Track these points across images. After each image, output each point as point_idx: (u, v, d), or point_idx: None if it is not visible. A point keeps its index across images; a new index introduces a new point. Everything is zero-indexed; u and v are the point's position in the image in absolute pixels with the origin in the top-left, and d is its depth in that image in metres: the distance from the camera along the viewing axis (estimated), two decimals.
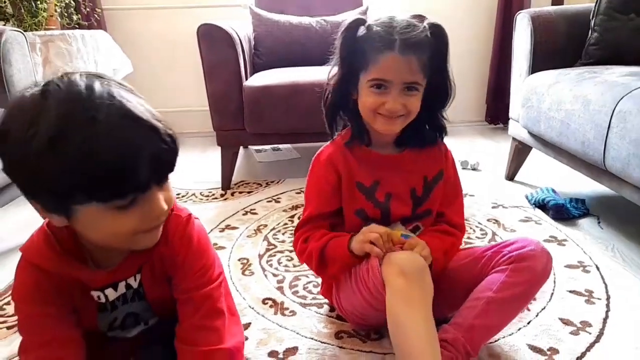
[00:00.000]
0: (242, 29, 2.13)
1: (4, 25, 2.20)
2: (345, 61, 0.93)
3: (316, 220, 0.99)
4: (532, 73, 1.82)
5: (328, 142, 1.03)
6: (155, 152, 0.58)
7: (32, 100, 0.57)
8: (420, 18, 0.90)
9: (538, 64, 1.82)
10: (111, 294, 0.72)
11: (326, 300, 1.14)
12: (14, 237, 1.62)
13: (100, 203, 0.57)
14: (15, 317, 1.12)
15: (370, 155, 0.99)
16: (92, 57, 2.22)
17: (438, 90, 0.94)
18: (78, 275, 0.69)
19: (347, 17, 2.36)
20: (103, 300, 0.72)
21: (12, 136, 0.56)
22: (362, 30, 0.91)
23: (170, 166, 0.62)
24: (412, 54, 0.86)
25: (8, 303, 1.19)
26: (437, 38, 0.89)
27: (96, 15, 2.70)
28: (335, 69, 0.96)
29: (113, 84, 0.59)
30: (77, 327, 0.71)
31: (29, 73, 1.52)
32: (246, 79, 1.96)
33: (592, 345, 0.98)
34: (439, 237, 0.97)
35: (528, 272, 0.89)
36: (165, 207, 0.63)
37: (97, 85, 0.57)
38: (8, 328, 1.09)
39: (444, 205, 1.03)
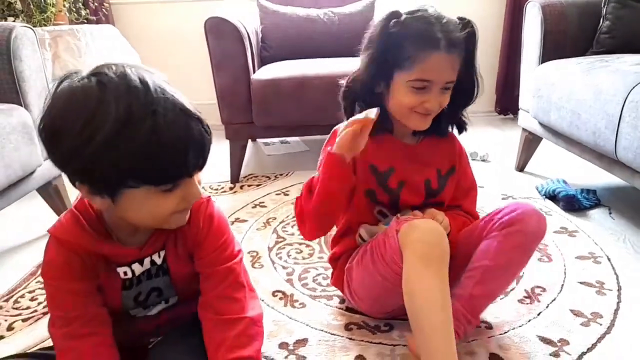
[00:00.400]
0: (249, 22, 2.12)
1: (14, 21, 2.22)
2: (379, 57, 0.90)
3: None
4: (542, 63, 1.80)
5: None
6: (201, 140, 0.65)
7: (88, 93, 0.59)
8: (464, 23, 0.89)
9: (548, 53, 1.80)
10: (137, 268, 0.76)
11: (336, 292, 1.15)
12: (15, 236, 1.64)
13: (151, 186, 0.63)
14: (30, 310, 1.15)
15: (389, 141, 0.99)
16: (100, 51, 2.23)
17: (465, 86, 0.93)
18: (106, 251, 0.73)
19: (355, 8, 2.36)
20: (129, 275, 0.76)
21: (70, 128, 0.59)
22: (397, 25, 0.88)
23: (208, 153, 0.68)
24: (456, 52, 0.86)
25: (22, 296, 1.21)
26: (471, 35, 0.88)
27: (104, 10, 2.71)
28: (364, 62, 0.93)
29: (155, 77, 0.64)
30: (103, 306, 0.75)
31: (39, 68, 1.53)
32: (254, 72, 1.96)
33: (602, 337, 0.97)
34: (452, 216, 0.98)
35: (520, 235, 0.88)
36: (201, 190, 0.70)
37: (149, 79, 0.62)
38: (23, 320, 1.11)
39: (459, 198, 1.04)
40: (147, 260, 0.76)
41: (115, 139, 0.58)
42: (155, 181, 0.63)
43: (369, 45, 0.93)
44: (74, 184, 0.65)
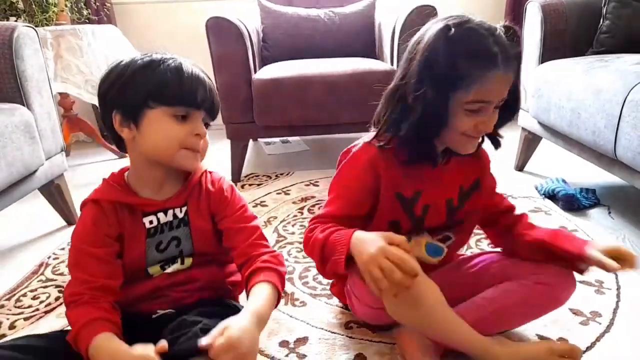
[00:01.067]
0: (250, 22, 2.13)
1: (16, 20, 2.23)
2: (434, 79, 0.78)
3: (337, 220, 0.88)
4: (542, 62, 1.80)
5: (361, 140, 0.92)
6: (209, 89, 0.83)
7: (121, 61, 0.83)
8: (511, 33, 0.80)
9: (548, 53, 1.81)
10: (162, 217, 0.87)
11: None
12: (17, 235, 1.64)
13: (166, 107, 0.79)
14: (32, 309, 1.16)
15: (418, 165, 0.89)
16: (102, 51, 2.24)
17: (510, 101, 0.84)
18: (135, 201, 0.85)
19: (355, 8, 2.36)
20: (155, 223, 0.87)
21: (117, 67, 0.82)
22: (448, 41, 0.77)
23: (216, 111, 0.86)
24: (511, 69, 0.78)
25: (24, 295, 1.22)
26: (518, 46, 0.80)
27: (106, 10, 2.72)
28: (416, 85, 0.79)
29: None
30: (117, 278, 0.84)
31: (41, 68, 1.54)
32: (255, 72, 1.97)
33: (602, 336, 0.98)
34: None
35: (548, 297, 0.89)
36: (206, 133, 0.84)
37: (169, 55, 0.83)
38: (25, 319, 1.12)
39: (490, 195, 1.01)
40: (170, 212, 0.88)
41: (143, 68, 0.80)
42: (171, 102, 0.79)
43: (424, 68, 0.79)
44: (109, 121, 0.82)
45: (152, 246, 0.87)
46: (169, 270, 0.88)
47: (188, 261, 0.90)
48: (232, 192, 0.93)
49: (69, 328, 0.78)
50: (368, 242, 0.75)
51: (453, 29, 0.77)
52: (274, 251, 0.91)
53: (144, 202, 0.86)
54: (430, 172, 0.90)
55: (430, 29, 0.81)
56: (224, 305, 0.88)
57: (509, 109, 0.86)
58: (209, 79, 0.85)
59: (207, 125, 0.86)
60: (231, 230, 0.90)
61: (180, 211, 0.89)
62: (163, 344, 0.69)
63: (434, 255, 0.92)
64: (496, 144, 0.94)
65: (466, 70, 0.76)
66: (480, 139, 0.90)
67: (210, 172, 0.94)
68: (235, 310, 0.80)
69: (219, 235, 0.92)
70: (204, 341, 0.66)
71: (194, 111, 0.81)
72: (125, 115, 0.81)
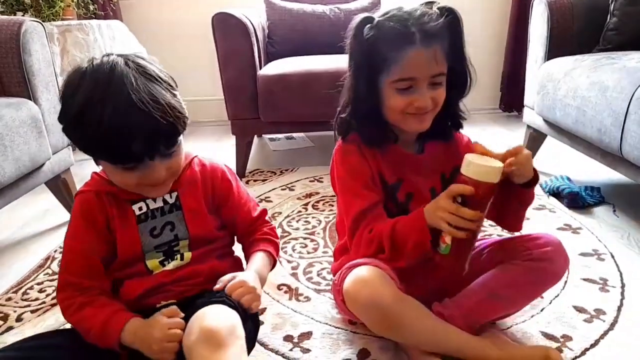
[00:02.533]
0: (256, 18, 2.13)
1: (23, 15, 2.24)
2: (361, 67, 0.86)
3: (373, 209, 0.90)
4: (548, 59, 1.80)
5: (339, 142, 0.97)
6: (152, 130, 0.72)
7: (73, 78, 0.74)
8: (429, 4, 0.85)
9: (554, 50, 1.80)
10: (151, 203, 0.86)
11: None
12: (24, 229, 1.66)
13: (109, 164, 0.75)
14: (39, 302, 1.17)
15: (396, 152, 0.94)
16: (108, 46, 2.25)
17: (456, 78, 0.88)
18: (121, 190, 0.82)
19: (360, 4, 2.36)
20: (144, 209, 0.85)
21: (62, 104, 0.74)
22: (372, 30, 0.84)
23: (167, 140, 0.76)
24: (435, 43, 0.81)
25: (31, 288, 1.23)
26: (452, 22, 0.83)
27: (112, 5, 2.72)
28: (351, 75, 0.89)
29: (142, 69, 0.74)
30: (106, 278, 0.84)
31: (47, 63, 1.55)
32: (260, 68, 1.97)
33: (606, 333, 0.98)
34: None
35: (544, 273, 0.89)
36: (163, 174, 0.77)
37: (118, 71, 0.71)
38: (32, 312, 1.13)
39: None
40: (159, 199, 0.86)
41: (74, 126, 0.73)
42: (109, 161, 0.75)
43: (350, 57, 0.89)
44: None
45: (146, 232, 0.85)
46: (169, 267, 0.86)
47: (187, 256, 0.88)
48: (233, 176, 0.95)
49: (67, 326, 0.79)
50: (432, 203, 0.82)
51: (377, 19, 0.84)
52: (271, 224, 1.00)
53: (130, 193, 0.84)
54: (409, 160, 0.94)
55: (353, 22, 0.88)
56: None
57: (459, 86, 0.90)
58: (155, 106, 0.71)
59: (173, 150, 0.78)
60: (233, 209, 0.94)
61: (171, 196, 0.87)
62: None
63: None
64: (456, 125, 0.96)
65: (385, 53, 0.82)
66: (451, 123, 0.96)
67: (210, 160, 0.94)
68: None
69: (214, 217, 0.92)
70: (217, 286, 0.81)
71: (140, 163, 0.74)
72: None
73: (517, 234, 1.03)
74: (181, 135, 0.79)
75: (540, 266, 0.88)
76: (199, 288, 0.87)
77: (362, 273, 0.83)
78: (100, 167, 0.81)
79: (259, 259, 0.92)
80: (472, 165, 0.77)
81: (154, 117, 0.71)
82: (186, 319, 0.79)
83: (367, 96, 0.88)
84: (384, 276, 0.83)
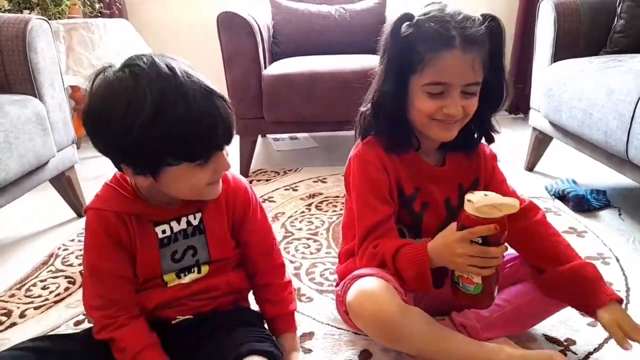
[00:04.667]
0: (261, 17, 2.13)
1: (29, 13, 2.25)
2: (394, 64, 0.84)
3: (384, 224, 0.88)
4: (554, 61, 1.79)
5: (358, 143, 0.94)
6: (226, 116, 0.71)
7: (123, 84, 0.66)
8: (483, 19, 0.82)
9: (561, 52, 1.79)
10: (175, 226, 0.82)
11: None
12: (28, 226, 1.66)
13: (188, 163, 0.70)
14: (42, 299, 1.17)
15: (416, 161, 0.91)
16: (113, 45, 2.25)
17: (492, 90, 0.86)
18: (143, 212, 0.79)
19: (366, 5, 2.36)
20: (168, 233, 0.81)
21: (111, 117, 0.66)
22: (410, 28, 0.81)
23: (234, 127, 0.74)
24: (475, 51, 0.78)
25: (34, 285, 1.23)
26: (494, 31, 0.81)
27: (117, 4, 2.73)
28: (382, 72, 0.87)
29: (180, 63, 0.70)
30: (133, 293, 0.81)
31: (53, 61, 1.55)
32: (265, 68, 1.97)
33: (610, 337, 0.96)
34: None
35: None
36: (230, 163, 0.76)
37: (175, 65, 0.68)
38: (35, 308, 1.13)
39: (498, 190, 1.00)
40: (183, 220, 0.82)
41: (153, 122, 0.65)
42: (192, 157, 0.70)
43: (383, 54, 0.86)
44: (119, 168, 0.74)
45: (167, 256, 0.82)
46: (185, 280, 0.84)
47: (204, 269, 0.85)
48: (253, 195, 0.89)
49: (70, 323, 0.79)
50: (442, 247, 0.80)
51: (417, 17, 0.81)
52: (287, 280, 0.94)
53: (154, 213, 0.80)
54: (428, 172, 0.92)
55: (392, 18, 0.86)
56: (240, 310, 0.90)
57: (493, 99, 0.87)
58: (221, 94, 0.72)
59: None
60: (250, 245, 0.90)
61: (195, 218, 0.83)
62: None
63: None
64: (488, 138, 0.94)
65: (422, 53, 0.79)
66: (477, 136, 0.94)
67: (230, 172, 0.87)
68: (249, 312, 0.90)
69: (232, 237, 0.89)
70: None
71: (216, 153, 0.73)
72: (139, 170, 0.71)
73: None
74: None
75: None
76: (215, 302, 0.86)
77: (366, 285, 0.81)
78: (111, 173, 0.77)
79: (295, 343, 0.90)
80: (483, 206, 0.75)
81: (225, 101, 0.72)
82: (201, 334, 0.81)
83: (395, 95, 0.85)
84: (389, 288, 0.81)
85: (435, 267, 0.82)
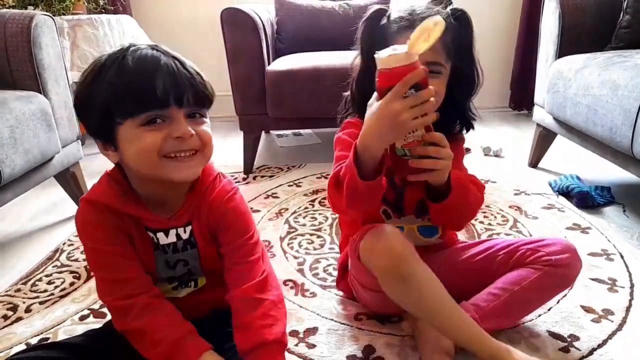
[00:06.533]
0: (264, 13, 2.13)
1: (34, 9, 2.25)
2: (366, 52, 0.91)
3: None
4: (559, 57, 1.78)
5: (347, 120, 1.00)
6: (172, 72, 0.68)
7: (95, 61, 0.72)
8: (443, 4, 0.88)
9: (565, 48, 1.78)
10: (162, 239, 0.78)
11: None
12: (33, 221, 1.67)
13: (131, 118, 0.68)
14: (47, 293, 1.18)
15: None
16: (118, 41, 2.26)
17: (464, 77, 0.91)
18: (134, 212, 0.76)
19: (370, 0, 2.35)
20: (155, 241, 0.79)
21: (81, 83, 0.72)
22: (382, 19, 0.90)
23: (206, 96, 0.72)
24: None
25: (40, 279, 1.24)
26: (460, 22, 0.87)
27: (122, 0, 2.73)
28: (358, 61, 0.95)
29: (175, 53, 0.73)
30: (146, 272, 0.78)
31: (58, 57, 1.56)
32: (269, 64, 1.97)
33: (614, 333, 0.97)
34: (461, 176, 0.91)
35: (561, 279, 0.92)
36: (190, 130, 0.70)
37: (162, 47, 0.72)
38: (40, 303, 1.14)
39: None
40: (172, 232, 0.79)
41: (99, 75, 0.68)
42: (132, 110, 0.67)
43: (360, 44, 0.93)
44: (102, 151, 0.74)
45: (161, 261, 0.80)
46: (181, 294, 0.83)
47: (201, 282, 0.84)
48: (235, 210, 0.80)
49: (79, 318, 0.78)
50: (376, 121, 0.74)
51: (389, 11, 0.89)
52: (275, 297, 0.78)
53: (145, 217, 0.77)
54: None
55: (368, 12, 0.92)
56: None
57: (465, 86, 0.92)
58: (181, 62, 0.71)
59: (200, 115, 0.73)
60: (230, 261, 0.80)
61: (185, 231, 0.79)
62: None
63: (431, 236, 0.99)
64: (466, 126, 0.98)
65: (388, 40, 0.84)
66: (460, 126, 0.97)
67: (220, 179, 0.82)
68: None
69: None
70: None
71: (166, 110, 0.68)
72: (101, 139, 0.72)
73: (531, 238, 1.04)
74: (207, 111, 0.75)
75: (558, 272, 0.91)
76: (209, 309, 0.86)
77: (382, 228, 0.84)
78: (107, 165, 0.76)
79: None
80: (396, 55, 0.68)
81: (181, 63, 0.71)
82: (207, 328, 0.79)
83: (367, 79, 0.89)
84: (402, 234, 0.84)
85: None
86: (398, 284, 0.82)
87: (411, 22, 0.84)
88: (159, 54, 0.70)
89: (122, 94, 0.67)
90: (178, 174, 0.72)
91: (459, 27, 0.87)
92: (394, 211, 0.99)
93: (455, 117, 0.97)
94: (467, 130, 0.99)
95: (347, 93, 1.01)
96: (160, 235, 0.78)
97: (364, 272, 0.90)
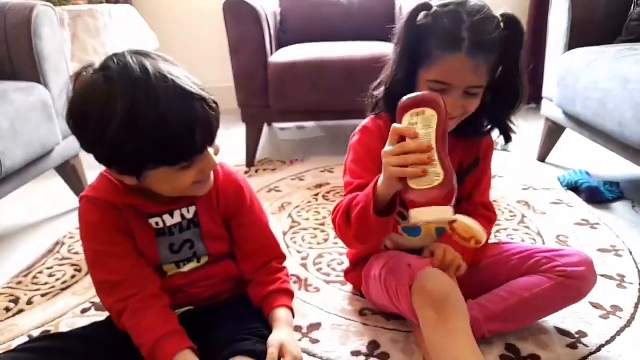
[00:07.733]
0: (268, 4, 2.10)
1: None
2: (406, 53, 0.84)
3: (363, 188, 0.86)
4: (568, 50, 1.75)
5: (368, 118, 0.96)
6: (206, 119, 0.69)
7: (97, 90, 0.66)
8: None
9: (575, 41, 1.74)
10: (168, 220, 0.81)
11: None
12: (34, 214, 1.66)
13: (169, 167, 0.69)
14: (48, 286, 1.17)
15: None
16: (118, 32, 2.24)
17: (506, 90, 0.85)
18: (137, 204, 0.78)
19: None
20: (161, 225, 0.81)
21: (90, 119, 0.66)
22: (426, 17, 0.81)
23: (217, 128, 0.72)
24: (482, 57, 0.77)
25: (41, 272, 1.23)
26: (512, 34, 0.79)
27: None
28: (395, 60, 0.87)
29: (160, 61, 0.69)
30: (145, 268, 0.80)
31: (58, 47, 1.54)
32: (271, 55, 1.95)
33: (622, 330, 0.95)
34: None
35: (574, 292, 0.89)
36: (216, 160, 0.74)
37: (150, 66, 0.66)
38: (42, 296, 1.13)
39: (477, 194, 1.00)
40: (177, 213, 0.81)
41: (125, 129, 0.64)
42: (171, 162, 0.69)
43: (397, 40, 0.86)
44: (106, 167, 0.74)
45: (165, 246, 0.82)
46: (184, 269, 0.84)
47: (204, 259, 0.86)
48: (247, 189, 0.87)
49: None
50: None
51: (435, 8, 0.80)
52: (283, 266, 0.92)
53: (146, 205, 0.79)
54: None
55: (411, 7, 0.84)
56: (235, 300, 0.89)
57: (507, 100, 0.87)
58: (201, 95, 0.68)
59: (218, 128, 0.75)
60: (244, 238, 0.88)
61: (188, 211, 0.82)
62: None
63: (415, 235, 0.97)
64: (505, 137, 0.94)
65: (430, 48, 0.79)
66: (490, 129, 0.94)
67: (222, 165, 0.86)
68: (245, 302, 0.87)
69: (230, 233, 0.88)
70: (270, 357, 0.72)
71: (199, 155, 0.71)
72: (123, 171, 0.71)
73: (548, 246, 1.03)
74: None
75: (573, 284, 0.88)
76: (213, 289, 0.87)
77: (428, 271, 0.80)
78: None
79: (288, 318, 0.84)
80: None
81: (205, 101, 0.69)
82: (202, 326, 0.80)
83: (403, 83, 0.84)
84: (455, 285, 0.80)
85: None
86: (443, 337, 0.75)
87: (457, 42, 0.76)
88: (187, 98, 0.66)
89: (161, 150, 0.67)
90: (203, 191, 0.78)
91: (509, 38, 0.79)
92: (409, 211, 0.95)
93: (493, 127, 0.93)
94: (506, 142, 0.95)
95: (377, 92, 0.94)
96: (166, 217, 0.81)
97: (387, 300, 0.88)
